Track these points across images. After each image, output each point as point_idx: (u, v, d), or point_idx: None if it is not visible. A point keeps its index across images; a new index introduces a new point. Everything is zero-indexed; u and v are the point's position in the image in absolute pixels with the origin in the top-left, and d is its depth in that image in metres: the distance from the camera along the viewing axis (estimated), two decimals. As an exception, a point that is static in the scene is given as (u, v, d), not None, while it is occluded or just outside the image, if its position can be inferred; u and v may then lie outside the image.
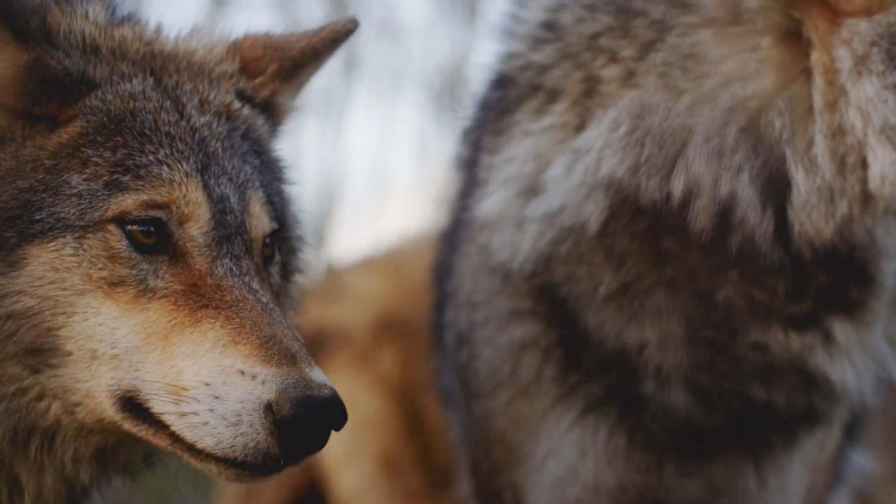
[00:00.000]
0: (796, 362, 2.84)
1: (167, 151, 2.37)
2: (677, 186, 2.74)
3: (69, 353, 2.28)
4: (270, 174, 2.61)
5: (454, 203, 3.33)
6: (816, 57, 2.67)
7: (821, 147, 2.65)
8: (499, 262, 2.97)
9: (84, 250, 2.28)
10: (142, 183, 2.32)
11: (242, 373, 2.21)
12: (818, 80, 2.66)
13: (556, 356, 2.96)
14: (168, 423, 2.24)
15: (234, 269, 2.35)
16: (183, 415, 2.21)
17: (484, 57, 3.32)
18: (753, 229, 2.73)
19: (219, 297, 2.29)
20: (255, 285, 2.35)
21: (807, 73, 2.70)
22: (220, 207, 2.39)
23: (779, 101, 2.70)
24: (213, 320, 2.26)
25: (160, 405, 2.24)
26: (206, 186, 2.39)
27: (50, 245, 2.27)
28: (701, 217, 2.72)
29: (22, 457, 2.34)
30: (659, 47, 2.79)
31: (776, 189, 2.72)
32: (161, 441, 2.29)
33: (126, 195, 2.30)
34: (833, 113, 2.65)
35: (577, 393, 2.95)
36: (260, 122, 2.63)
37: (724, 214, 2.73)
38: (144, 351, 2.26)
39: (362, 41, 10.09)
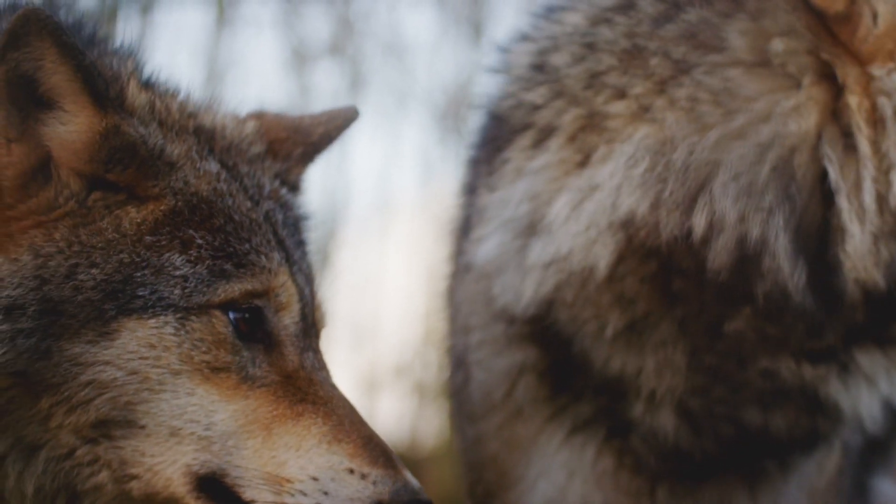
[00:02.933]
0: (807, 389, 2.85)
1: (259, 240, 2.40)
2: (699, 222, 2.73)
3: (143, 428, 2.28)
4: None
5: (458, 229, 3.34)
6: (856, 101, 2.70)
7: (870, 192, 2.68)
8: (501, 307, 2.97)
9: (187, 332, 2.29)
10: (243, 271, 2.35)
11: (352, 471, 2.28)
12: (862, 126, 2.69)
13: (549, 378, 2.97)
14: None
15: (316, 363, 2.43)
16: None
17: (481, 88, 3.38)
18: (786, 279, 2.72)
19: (313, 391, 2.36)
20: (331, 381, 2.42)
21: (839, 114, 2.73)
22: (302, 299, 2.45)
23: (823, 144, 2.71)
24: (313, 415, 2.32)
25: (254, 492, 2.28)
26: (292, 276, 2.43)
27: (150, 322, 2.27)
28: (721, 255, 2.72)
29: None
30: (683, 82, 2.79)
31: (814, 236, 2.72)
32: None
33: (232, 283, 2.33)
34: (880, 157, 2.68)
35: (566, 412, 2.97)
36: (301, 209, 2.69)
37: (751, 259, 2.72)
38: (242, 437, 2.29)
39: (367, 61, 10.10)
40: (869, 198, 2.68)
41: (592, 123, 2.88)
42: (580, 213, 2.84)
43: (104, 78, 2.34)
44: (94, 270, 2.26)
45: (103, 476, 2.31)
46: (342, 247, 10.26)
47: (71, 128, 2.30)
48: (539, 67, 3.01)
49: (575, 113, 2.91)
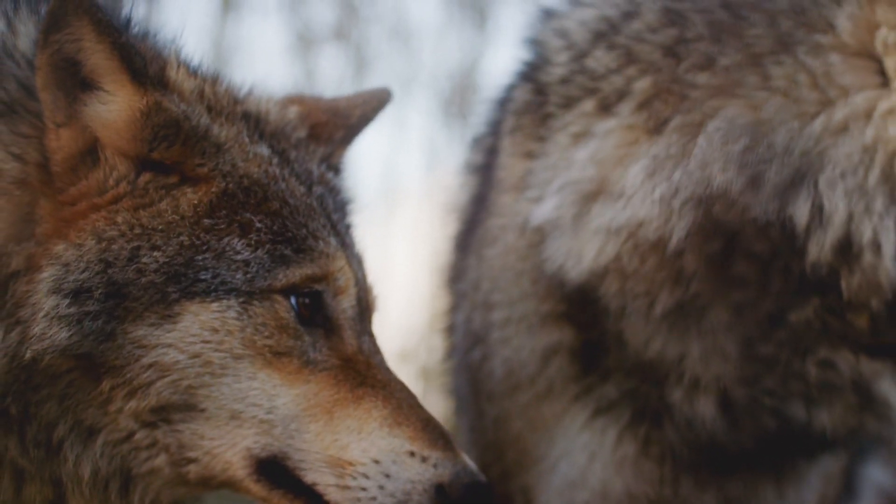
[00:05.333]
0: (860, 383, 2.82)
1: (315, 224, 2.41)
2: (802, 212, 2.70)
3: (203, 411, 2.29)
4: None
5: (466, 208, 3.30)
6: None
7: None
8: (554, 270, 2.92)
9: (249, 316, 2.29)
10: (302, 256, 2.36)
11: (412, 454, 2.31)
12: None
13: (580, 357, 2.94)
14: (323, 493, 2.30)
15: (372, 347, 2.45)
16: (346, 488, 2.29)
17: (502, 63, 3.32)
18: (884, 278, 2.70)
19: (372, 375, 2.38)
20: (387, 364, 2.44)
21: None
22: (358, 282, 2.47)
23: None
24: (373, 399, 2.34)
25: (316, 475, 2.30)
26: (348, 260, 2.45)
27: (212, 305, 2.28)
28: (824, 249, 2.70)
29: (89, 496, 2.35)
30: (783, 60, 2.74)
31: None
32: None
33: (292, 268, 2.34)
34: None
35: (592, 394, 2.94)
36: (347, 193, 2.69)
37: (853, 256, 2.70)
38: (304, 421, 2.31)
39: (372, 46, 10.07)
40: None
41: (669, 91, 2.83)
42: (658, 181, 2.80)
43: (142, 56, 2.34)
44: (156, 253, 2.27)
45: (160, 460, 2.32)
46: (347, 232, 10.23)
47: (112, 107, 2.31)
48: (604, 34, 2.95)
49: (649, 80, 2.85)
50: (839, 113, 2.70)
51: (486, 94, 3.32)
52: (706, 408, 2.85)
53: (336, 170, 2.73)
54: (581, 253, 2.87)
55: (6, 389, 2.24)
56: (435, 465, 2.31)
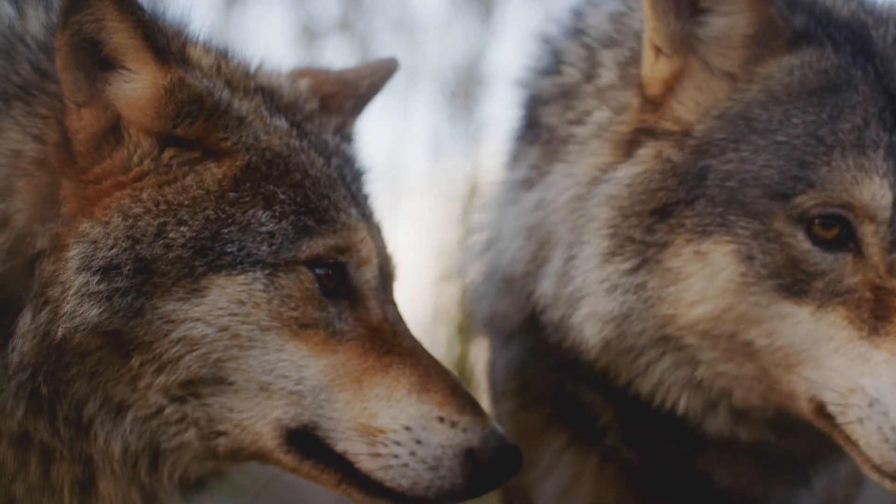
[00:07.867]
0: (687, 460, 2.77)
1: (336, 196, 2.44)
2: (546, 289, 2.68)
3: (231, 384, 2.31)
4: None
5: None
6: None
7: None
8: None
9: (275, 288, 2.31)
10: (325, 227, 2.38)
11: (441, 419, 2.33)
12: None
13: (547, 383, 2.94)
14: (354, 461, 2.32)
15: (396, 315, 2.47)
16: (377, 455, 2.30)
17: (506, 56, 3.25)
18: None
19: (398, 342, 2.39)
20: (411, 332, 2.45)
21: None
22: (379, 253, 2.49)
23: None
24: (401, 366, 2.36)
25: (347, 444, 2.32)
26: (370, 231, 2.46)
27: (239, 278, 2.29)
28: (549, 331, 2.69)
29: (119, 473, 2.36)
30: (586, 120, 2.67)
31: None
32: (326, 476, 2.36)
33: (316, 239, 2.36)
34: None
35: (566, 420, 2.94)
36: (362, 162, 2.71)
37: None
38: (333, 390, 2.33)
39: (377, 38, 10.08)
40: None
41: (552, 140, 2.75)
42: (492, 255, 2.82)
43: (164, 33, 2.36)
44: (182, 228, 2.28)
45: (190, 434, 2.33)
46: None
47: (136, 85, 2.32)
48: (558, 57, 2.84)
49: (551, 123, 2.77)
50: (586, 177, 2.62)
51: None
52: (630, 455, 2.84)
53: (349, 139, 2.75)
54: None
55: (37, 370, 2.26)
56: (464, 430, 2.33)
